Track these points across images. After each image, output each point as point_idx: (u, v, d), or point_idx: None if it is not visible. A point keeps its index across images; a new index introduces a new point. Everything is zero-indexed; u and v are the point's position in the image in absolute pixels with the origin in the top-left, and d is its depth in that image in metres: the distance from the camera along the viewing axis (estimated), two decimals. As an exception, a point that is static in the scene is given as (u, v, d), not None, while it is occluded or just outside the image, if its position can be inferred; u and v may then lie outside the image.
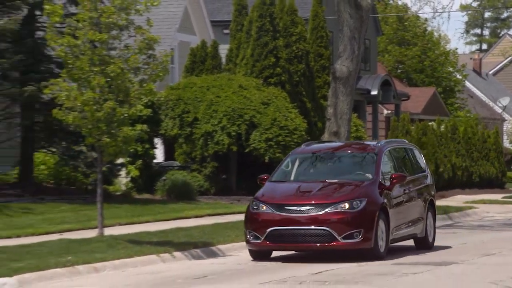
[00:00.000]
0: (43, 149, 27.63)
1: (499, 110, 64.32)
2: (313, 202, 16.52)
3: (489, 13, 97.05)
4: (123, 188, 28.78)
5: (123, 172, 28.40)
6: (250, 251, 16.89)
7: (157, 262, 16.76)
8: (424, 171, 19.00)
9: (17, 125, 26.82)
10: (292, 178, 17.49)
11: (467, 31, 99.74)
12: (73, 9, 25.01)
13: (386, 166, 17.59)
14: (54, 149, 27.43)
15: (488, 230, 23.67)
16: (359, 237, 16.32)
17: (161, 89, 29.97)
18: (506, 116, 64.73)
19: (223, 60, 31.95)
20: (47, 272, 14.97)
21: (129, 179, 29.05)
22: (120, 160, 26.57)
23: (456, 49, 63.97)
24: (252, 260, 16.63)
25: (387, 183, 17.16)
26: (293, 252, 17.50)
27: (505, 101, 62.77)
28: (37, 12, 26.45)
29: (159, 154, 31.16)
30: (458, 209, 28.81)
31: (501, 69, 72.98)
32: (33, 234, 19.56)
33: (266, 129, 28.36)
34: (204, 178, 28.95)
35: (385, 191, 17.01)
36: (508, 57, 74.29)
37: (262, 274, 15.08)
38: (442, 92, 56.15)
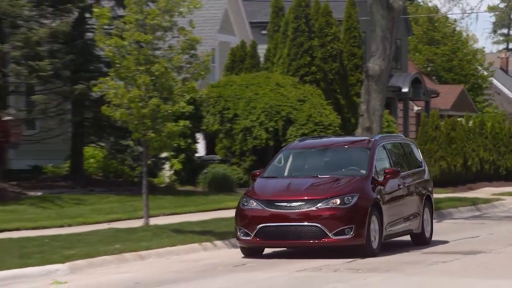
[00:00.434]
0: (92, 143, 27.83)
1: (525, 107, 63.77)
2: (303, 198, 15.43)
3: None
4: (167, 180, 28.94)
5: (167, 166, 28.55)
6: (241, 248, 15.89)
7: (199, 251, 16.83)
8: (421, 166, 17.81)
9: (68, 121, 27.04)
10: (284, 173, 16.41)
11: (494, 31, 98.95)
12: (120, 12, 25.17)
13: (380, 161, 16.43)
14: (102, 144, 27.61)
15: (514, 221, 23.55)
16: (351, 233, 15.24)
17: (203, 87, 30.07)
18: (532, 112, 64.18)
19: (261, 59, 31.98)
20: (96, 259, 15.10)
21: (172, 172, 29.20)
22: (164, 154, 26.72)
23: (484, 48, 63.59)
24: (243, 257, 15.63)
25: (381, 179, 16.01)
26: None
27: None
28: (87, 15, 26.63)
29: (201, 149, 31.27)
30: (486, 200, 28.66)
31: (527, 67, 72.34)
32: (83, 224, 19.73)
33: (302, 125, 28.38)
34: (243, 171, 29.03)
35: (378, 187, 15.88)
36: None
37: (298, 262, 15.12)
38: (470, 89, 55.84)
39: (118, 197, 24.45)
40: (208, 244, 17.20)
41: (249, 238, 15.50)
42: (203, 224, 19.24)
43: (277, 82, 29.39)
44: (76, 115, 26.91)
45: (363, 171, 16.02)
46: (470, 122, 38.23)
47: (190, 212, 22.40)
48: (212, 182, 28.00)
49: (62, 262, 14.46)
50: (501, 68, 67.67)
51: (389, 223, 16.11)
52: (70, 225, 19.45)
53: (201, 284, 12.94)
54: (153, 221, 18.99)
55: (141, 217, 18.93)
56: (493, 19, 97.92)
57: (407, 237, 17.42)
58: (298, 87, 29.58)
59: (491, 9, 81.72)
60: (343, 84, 31.96)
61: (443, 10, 60.55)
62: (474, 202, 27.47)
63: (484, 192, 33.61)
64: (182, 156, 28.86)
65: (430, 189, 17.75)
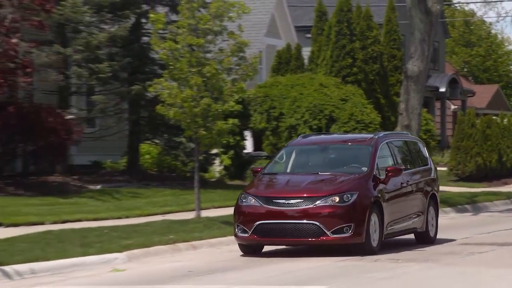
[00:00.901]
0: (147, 140, 28.00)
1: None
2: (302, 195, 14.35)
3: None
4: (217, 175, 29.03)
5: (217, 161, 28.64)
6: (239, 245, 14.85)
7: (248, 241, 16.81)
8: (427, 165, 16.62)
9: (125, 119, 27.23)
10: (285, 170, 15.36)
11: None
12: (174, 17, 25.29)
13: (383, 159, 15.33)
14: (157, 141, 27.78)
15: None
16: (349, 232, 14.16)
17: (251, 87, 30.11)
18: None
19: (306, 61, 31.95)
20: (152, 249, 15.20)
21: (222, 167, 29.28)
22: (214, 150, 26.82)
23: (518, 49, 62.85)
24: (242, 255, 14.73)
25: (382, 176, 14.90)
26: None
27: None
28: (143, 20, 26.80)
29: (249, 145, 31.32)
30: (520, 194, 28.38)
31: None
32: (139, 215, 19.86)
33: (344, 123, 28.29)
34: (289, 167, 29.00)
35: (379, 185, 14.76)
36: None
37: (339, 252, 15.06)
38: (504, 88, 55.30)
39: (172, 190, 24.58)
40: (256, 235, 17.16)
41: (246, 235, 14.50)
42: (251, 216, 19.20)
43: (321, 83, 29.34)
44: (133, 114, 27.09)
45: (365, 169, 14.93)
46: (505, 120, 37.84)
47: (239, 205, 22.39)
48: (259, 176, 28.00)
49: (120, 251, 14.57)
50: (535, 69, 66.83)
51: (391, 221, 15.01)
52: (127, 217, 19.59)
53: (250, 272, 12.98)
54: (204, 213, 19.07)
55: (193, 210, 19.01)
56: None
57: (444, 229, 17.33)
58: (340, 87, 29.50)
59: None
60: (383, 84, 31.81)
61: (479, 13, 60.03)
62: (508, 196, 27.21)
63: (518, 186, 33.27)
64: (231, 152, 28.94)
65: (435, 187, 16.58)
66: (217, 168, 29.16)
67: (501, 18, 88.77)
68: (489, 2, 57.41)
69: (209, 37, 20.98)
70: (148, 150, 28.33)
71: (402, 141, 16.48)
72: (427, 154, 16.90)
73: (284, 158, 15.61)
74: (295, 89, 29.16)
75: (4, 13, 21.36)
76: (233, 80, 20.99)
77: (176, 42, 20.51)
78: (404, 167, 15.64)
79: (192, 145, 24.67)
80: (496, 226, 19.43)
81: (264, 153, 30.20)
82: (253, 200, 14.53)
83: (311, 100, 28.62)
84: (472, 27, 56.72)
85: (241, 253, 14.76)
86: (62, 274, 13.19)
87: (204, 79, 20.37)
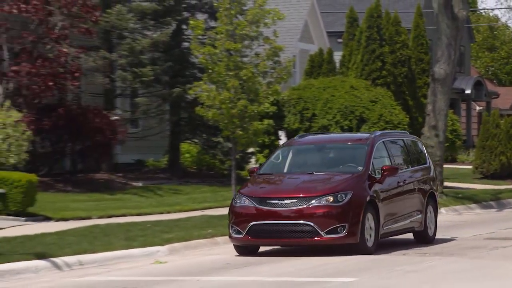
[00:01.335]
0: (187, 140, 28.10)
1: None
2: (295, 195, 13.47)
3: None
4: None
5: (253, 160, 28.64)
6: (234, 246, 14.05)
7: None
8: (426, 163, 15.60)
9: (167, 120, 27.35)
10: (281, 170, 14.47)
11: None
12: (212, 23, 25.35)
13: (379, 158, 14.39)
14: (196, 140, 27.86)
15: None
16: (344, 232, 13.29)
17: (285, 89, 30.09)
18: None
19: (337, 65, 31.87)
20: (191, 242, 15.23)
21: (258, 165, 29.29)
22: (250, 150, 26.83)
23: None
24: (236, 256, 13.91)
25: (378, 176, 13.99)
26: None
27: None
28: (183, 27, 26.89)
29: (283, 145, 31.27)
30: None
31: None
32: (180, 211, 19.91)
33: (373, 123, 28.17)
34: (321, 165, 28.91)
35: (375, 184, 13.86)
36: None
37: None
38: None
39: (210, 187, 24.63)
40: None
41: (240, 236, 13.68)
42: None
43: (351, 85, 29.24)
44: (174, 115, 27.20)
45: (360, 168, 13.99)
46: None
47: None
48: (293, 174, 27.95)
49: (162, 245, 14.61)
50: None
51: (387, 221, 14.10)
52: (168, 212, 19.65)
53: (282, 266, 12.96)
54: (241, 208, 19.01)
55: (231, 205, 19.00)
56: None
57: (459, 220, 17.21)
58: (370, 89, 29.38)
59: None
60: (411, 87, 31.63)
61: (503, 19, 59.51)
62: (531, 193, 26.94)
63: (540, 184, 32.91)
64: (267, 151, 28.91)
65: (434, 186, 15.57)
66: (253, 166, 29.18)
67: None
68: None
69: (246, 42, 21.01)
70: (188, 149, 28.42)
71: (400, 140, 15.46)
72: (426, 153, 15.89)
73: (280, 158, 14.77)
74: (327, 91, 29.09)
75: (55, 21, 21.53)
76: (268, 83, 20.98)
77: (214, 47, 20.56)
78: (400, 166, 14.77)
79: (229, 144, 24.72)
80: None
81: (298, 152, 30.13)
82: (247, 201, 13.68)
83: (342, 101, 28.53)
84: (495, 32, 56.24)
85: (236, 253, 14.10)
86: (107, 265, 13.26)
87: (241, 82, 20.40)
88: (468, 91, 45.00)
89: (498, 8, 59.10)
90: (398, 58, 31.18)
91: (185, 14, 27.20)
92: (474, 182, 31.21)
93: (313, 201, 13.36)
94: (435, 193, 15.54)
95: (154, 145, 28.03)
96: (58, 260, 12.95)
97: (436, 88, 25.12)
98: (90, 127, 23.33)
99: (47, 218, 17.81)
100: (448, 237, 15.80)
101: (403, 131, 17.55)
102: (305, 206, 13.36)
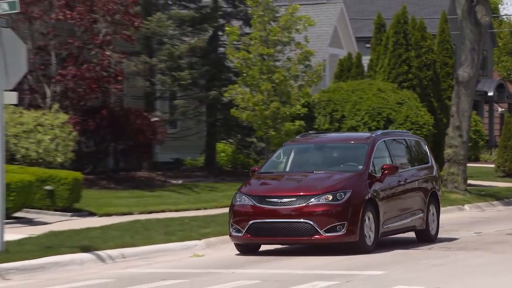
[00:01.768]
0: (223, 140, 28.15)
1: None
2: (295, 194, 12.93)
3: None
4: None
5: (285, 159, 28.58)
6: (235, 245, 13.53)
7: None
8: (428, 163, 14.97)
9: (203, 121, 27.43)
10: (282, 169, 13.94)
11: None
12: (247, 30, 25.37)
13: (380, 157, 13.79)
14: (231, 140, 27.90)
15: None
16: (343, 230, 12.74)
17: (315, 92, 30.02)
18: None
19: (365, 68, 31.75)
20: (227, 237, 15.15)
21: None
22: (283, 149, 26.76)
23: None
24: (237, 254, 13.42)
25: (378, 175, 13.44)
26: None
27: None
28: (219, 33, 26.96)
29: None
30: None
31: None
32: (216, 207, 19.91)
33: (400, 124, 28.02)
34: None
35: (375, 183, 13.30)
36: None
37: (393, 243, 14.93)
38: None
39: (245, 185, 24.56)
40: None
41: (240, 234, 13.15)
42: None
43: (379, 88, 29.11)
44: (210, 116, 27.27)
45: (360, 167, 13.42)
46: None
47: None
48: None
49: (199, 239, 14.63)
50: None
51: (387, 219, 13.54)
52: (205, 208, 19.68)
53: (312, 259, 12.92)
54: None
55: (264, 202, 18.92)
56: None
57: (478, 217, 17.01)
58: (397, 92, 29.23)
59: None
60: (436, 89, 31.43)
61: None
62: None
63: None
64: (298, 150, 28.86)
65: (437, 185, 14.90)
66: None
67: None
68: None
69: (278, 47, 21.02)
70: (224, 148, 28.47)
71: (402, 139, 14.81)
72: (428, 152, 15.20)
73: (281, 157, 14.21)
74: (356, 93, 28.99)
75: (99, 28, 21.69)
76: (299, 85, 20.99)
77: (249, 52, 20.60)
78: (401, 165, 14.19)
79: (262, 144, 24.73)
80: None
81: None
82: (247, 200, 13.13)
83: (370, 103, 28.41)
84: (517, 37, 55.74)
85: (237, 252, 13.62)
86: (148, 258, 13.31)
87: (274, 85, 20.42)
88: (490, 93, 44.64)
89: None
90: (423, 62, 31.00)
91: (221, 21, 27.25)
92: (496, 180, 30.94)
93: (312, 200, 12.84)
94: (438, 192, 14.92)
95: (192, 145, 28.10)
96: (102, 253, 13.02)
97: (460, 91, 24.98)
98: (132, 128, 23.45)
99: (92, 214, 17.93)
100: (454, 236, 15.46)
101: (406, 131, 16.99)
102: (304, 204, 12.82)
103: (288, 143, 14.85)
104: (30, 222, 16.43)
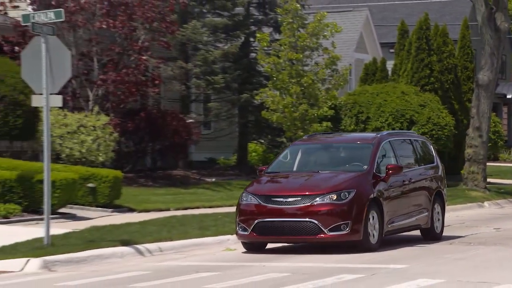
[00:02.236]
0: (254, 140, 28.19)
1: None
2: (300, 193, 12.61)
3: None
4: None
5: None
6: (242, 243, 13.27)
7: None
8: (433, 163, 14.60)
9: (235, 123, 27.50)
10: (288, 169, 13.58)
11: None
12: (277, 36, 25.41)
13: (385, 157, 13.47)
14: (262, 141, 27.94)
15: None
16: (347, 229, 12.41)
17: (341, 95, 29.96)
18: None
19: (389, 72, 31.63)
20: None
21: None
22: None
23: None
24: (244, 253, 13.13)
25: (383, 174, 13.09)
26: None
27: None
28: (251, 39, 27.01)
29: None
30: None
31: None
32: (247, 203, 19.90)
33: (422, 125, 27.88)
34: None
35: (380, 182, 12.96)
36: None
37: (415, 239, 14.84)
38: None
39: (275, 183, 24.54)
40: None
41: (246, 233, 12.85)
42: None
43: (402, 91, 28.99)
44: (242, 118, 27.34)
45: (365, 167, 13.07)
46: None
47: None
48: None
49: (231, 234, 14.62)
50: None
51: (391, 218, 13.18)
52: (237, 205, 19.68)
53: (338, 254, 12.90)
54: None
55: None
56: None
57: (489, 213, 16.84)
58: (419, 94, 29.09)
59: None
60: (457, 92, 31.23)
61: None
62: None
63: None
64: (325, 150, 28.82)
65: (442, 185, 14.55)
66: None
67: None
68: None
69: (307, 53, 21.02)
70: (255, 148, 28.51)
71: (407, 140, 14.45)
72: (433, 152, 14.81)
73: (289, 157, 13.86)
74: (380, 96, 28.89)
75: (138, 35, 21.85)
76: (326, 89, 20.96)
77: (278, 57, 20.62)
78: (406, 165, 13.82)
79: (292, 144, 24.67)
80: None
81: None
82: (253, 199, 12.83)
83: (394, 106, 28.30)
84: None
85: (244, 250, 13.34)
86: (183, 252, 13.38)
87: (302, 88, 20.42)
88: (509, 96, 44.28)
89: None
90: (445, 66, 30.80)
91: (253, 28, 27.31)
92: (515, 179, 30.65)
93: (317, 199, 12.50)
94: (443, 191, 14.56)
95: (225, 145, 28.18)
96: (140, 246, 13.11)
97: (480, 93, 24.83)
98: (168, 129, 23.59)
99: (131, 210, 18.06)
100: (459, 235, 15.06)
101: (412, 131, 16.36)
102: (309, 203, 12.49)
103: (295, 143, 14.58)
104: (73, 217, 16.59)
